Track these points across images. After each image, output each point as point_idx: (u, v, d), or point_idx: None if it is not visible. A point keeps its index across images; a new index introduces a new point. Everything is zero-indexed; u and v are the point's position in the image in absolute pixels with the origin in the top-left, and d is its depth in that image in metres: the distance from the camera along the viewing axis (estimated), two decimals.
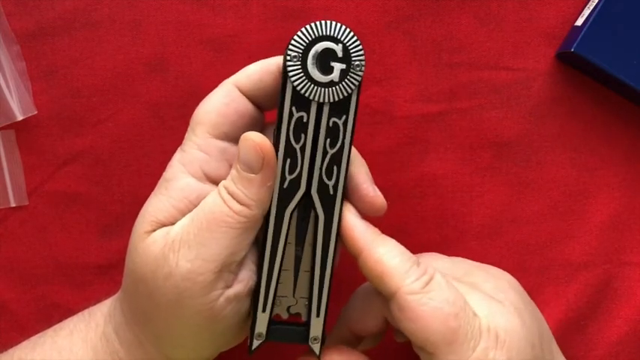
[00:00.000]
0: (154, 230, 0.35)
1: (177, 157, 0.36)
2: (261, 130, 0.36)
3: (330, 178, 0.35)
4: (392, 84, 0.45)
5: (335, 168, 0.35)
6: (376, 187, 0.36)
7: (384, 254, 0.35)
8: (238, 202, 0.34)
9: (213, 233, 0.34)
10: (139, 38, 0.45)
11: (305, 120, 0.34)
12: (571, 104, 0.46)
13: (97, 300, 0.41)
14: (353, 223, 0.36)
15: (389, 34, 0.45)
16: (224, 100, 0.35)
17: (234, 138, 0.36)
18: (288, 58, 0.33)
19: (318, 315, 0.36)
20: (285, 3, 0.45)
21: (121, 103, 0.45)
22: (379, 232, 0.36)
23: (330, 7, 0.45)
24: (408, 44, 0.45)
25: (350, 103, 0.34)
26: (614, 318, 0.46)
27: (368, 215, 0.37)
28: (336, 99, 0.34)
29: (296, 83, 0.33)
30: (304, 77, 0.33)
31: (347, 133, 0.34)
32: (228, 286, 0.35)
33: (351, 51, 0.34)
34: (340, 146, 0.34)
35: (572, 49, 0.43)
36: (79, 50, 0.45)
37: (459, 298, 0.34)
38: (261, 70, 0.35)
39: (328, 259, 0.35)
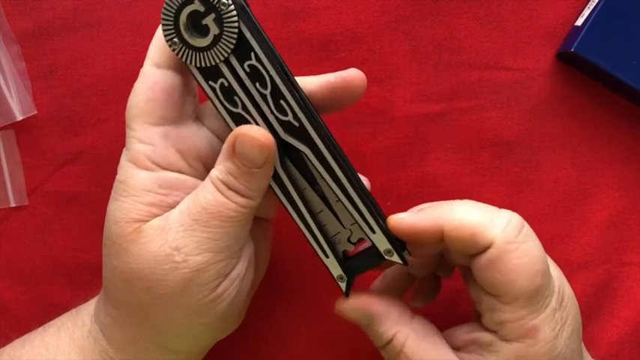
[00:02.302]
0: (136, 229, 0.34)
1: (123, 157, 0.36)
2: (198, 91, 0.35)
3: (285, 114, 0.34)
4: (392, 84, 0.45)
5: (283, 102, 0.33)
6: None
7: (463, 215, 0.34)
8: (242, 196, 0.34)
9: (221, 228, 0.34)
10: (139, 38, 0.45)
11: (227, 84, 0.33)
12: (571, 104, 0.46)
13: None
14: (405, 221, 0.35)
15: (389, 34, 0.45)
16: (147, 85, 0.35)
17: (171, 119, 0.35)
18: (174, 50, 0.33)
19: (373, 231, 0.35)
20: (285, 3, 0.45)
21: (121, 103, 0.44)
22: (426, 205, 0.36)
23: (330, 7, 0.45)
24: (407, 44, 0.45)
25: (247, 38, 0.33)
26: (614, 318, 0.46)
27: (356, 100, 0.36)
28: (232, 45, 0.33)
29: (195, 64, 0.33)
30: (195, 53, 0.33)
31: (267, 64, 0.33)
32: (232, 269, 0.35)
33: None
34: (271, 81, 0.33)
35: (572, 49, 0.43)
36: (79, 50, 0.45)
37: (544, 253, 0.34)
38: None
39: (342, 180, 0.34)
